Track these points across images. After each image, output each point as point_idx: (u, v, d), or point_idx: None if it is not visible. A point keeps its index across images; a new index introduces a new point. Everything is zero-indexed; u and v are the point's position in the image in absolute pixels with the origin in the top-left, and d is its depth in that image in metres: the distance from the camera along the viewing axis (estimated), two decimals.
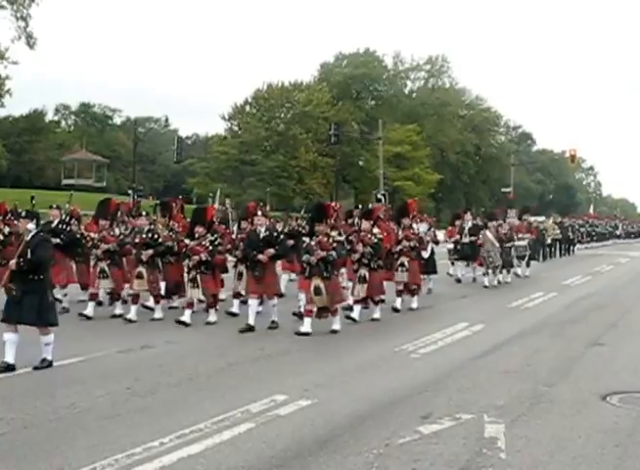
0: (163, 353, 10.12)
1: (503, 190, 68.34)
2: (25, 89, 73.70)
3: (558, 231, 34.72)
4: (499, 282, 20.85)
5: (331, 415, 7.08)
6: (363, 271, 13.22)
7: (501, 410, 7.31)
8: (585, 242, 44.57)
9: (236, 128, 64.40)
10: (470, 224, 21.79)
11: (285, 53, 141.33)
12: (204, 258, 12.41)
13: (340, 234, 13.15)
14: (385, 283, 13.96)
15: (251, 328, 11.77)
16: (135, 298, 13.16)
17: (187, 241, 12.96)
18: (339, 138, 53.90)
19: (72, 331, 11.57)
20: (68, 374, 8.79)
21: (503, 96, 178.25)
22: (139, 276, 13.09)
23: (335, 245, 11.94)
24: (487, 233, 20.40)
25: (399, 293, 15.01)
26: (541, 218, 40.60)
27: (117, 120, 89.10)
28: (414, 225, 15.63)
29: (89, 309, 13.11)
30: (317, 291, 11.69)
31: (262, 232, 12.41)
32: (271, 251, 12.14)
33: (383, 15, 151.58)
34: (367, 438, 6.37)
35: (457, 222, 22.55)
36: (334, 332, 11.81)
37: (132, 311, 12.89)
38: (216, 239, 12.79)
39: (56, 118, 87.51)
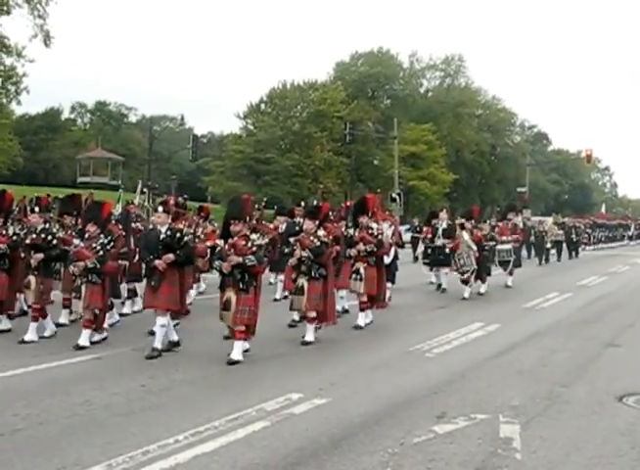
0: (178, 352, 10.12)
1: (518, 190, 68.13)
2: (42, 87, 74.22)
3: (560, 232, 32.74)
4: (480, 293, 17.78)
5: (345, 414, 7.08)
6: (301, 281, 11.00)
7: (516, 411, 7.29)
8: (593, 244, 43.14)
9: (251, 127, 64.35)
10: (444, 225, 18.82)
11: (300, 52, 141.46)
12: (90, 265, 10.20)
13: (262, 237, 10.90)
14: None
15: (155, 351, 9.76)
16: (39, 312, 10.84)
17: (76, 242, 10.88)
18: (354, 137, 53.94)
19: None
20: (83, 371, 8.82)
21: (518, 96, 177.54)
22: (27, 286, 10.80)
23: (254, 249, 9.63)
24: (464, 234, 17.20)
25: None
26: (543, 219, 39.14)
27: (133, 119, 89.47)
28: (374, 225, 12.88)
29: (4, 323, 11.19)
30: (227, 305, 9.55)
31: (163, 233, 10.13)
32: (170, 256, 9.88)
33: (398, 14, 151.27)
34: (382, 437, 6.36)
35: (434, 222, 19.57)
36: (232, 363, 9.34)
37: (48, 327, 10.92)
38: (110, 241, 10.73)
39: (72, 117, 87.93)
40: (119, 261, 12.30)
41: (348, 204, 16.20)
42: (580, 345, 11.30)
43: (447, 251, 17.94)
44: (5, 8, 42.72)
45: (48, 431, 6.46)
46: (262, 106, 64.80)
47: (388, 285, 14.96)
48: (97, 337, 10.53)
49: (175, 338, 10.27)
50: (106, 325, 10.92)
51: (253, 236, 9.99)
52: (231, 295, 9.52)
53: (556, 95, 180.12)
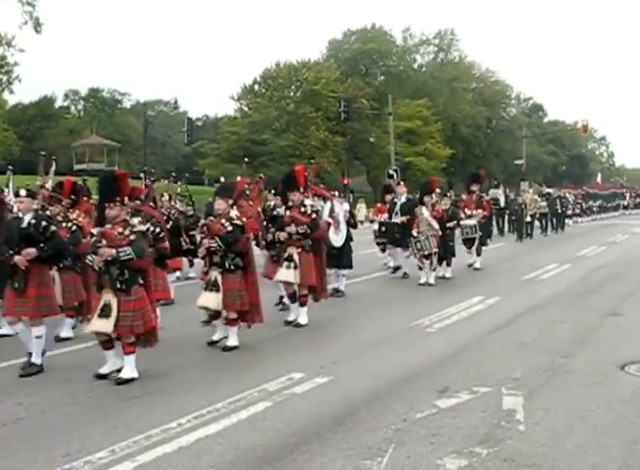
0: (178, 335, 10.09)
1: (515, 162, 68.10)
2: (34, 76, 73.77)
3: (544, 204, 30.41)
4: (443, 277, 15.83)
5: (348, 392, 7.08)
6: (214, 274, 9.21)
7: (519, 383, 7.29)
8: (585, 215, 41.55)
9: (246, 109, 64.22)
10: (403, 199, 16.61)
11: (293, 31, 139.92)
12: None
13: (142, 222, 8.23)
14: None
15: (33, 367, 8.10)
16: None
17: None
18: (349, 115, 53.75)
19: None
20: (84, 358, 8.78)
21: (513, 68, 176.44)
22: None
23: (132, 238, 7.68)
24: (424, 211, 15.11)
25: (291, 297, 10.88)
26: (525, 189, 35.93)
27: (127, 104, 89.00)
28: (307, 202, 10.89)
29: None
30: (105, 310, 7.56)
31: (25, 222, 8.23)
32: (31, 251, 7.98)
33: None
34: (385, 413, 6.36)
35: (388, 197, 17.29)
36: (121, 382, 7.57)
37: None
38: None
39: (65, 104, 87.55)
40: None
41: (346, 181, 15.93)
42: (581, 315, 11.30)
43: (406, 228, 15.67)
44: None
45: (51, 419, 6.46)
46: (256, 87, 64.62)
47: (345, 272, 13.90)
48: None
49: (38, 361, 8.19)
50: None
51: (134, 221, 7.97)
52: (110, 297, 7.62)
53: (550, 66, 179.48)
